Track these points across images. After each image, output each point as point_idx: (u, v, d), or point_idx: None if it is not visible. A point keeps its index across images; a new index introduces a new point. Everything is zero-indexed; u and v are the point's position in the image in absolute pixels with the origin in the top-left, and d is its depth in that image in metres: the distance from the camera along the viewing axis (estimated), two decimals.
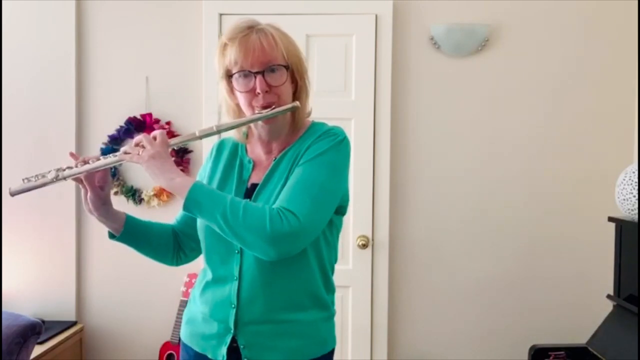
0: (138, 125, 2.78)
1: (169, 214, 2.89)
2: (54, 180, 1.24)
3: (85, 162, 1.26)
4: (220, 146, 1.46)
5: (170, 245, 1.46)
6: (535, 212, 2.73)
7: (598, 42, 2.69)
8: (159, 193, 2.76)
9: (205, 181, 1.42)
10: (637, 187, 2.02)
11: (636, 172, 2.04)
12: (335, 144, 1.29)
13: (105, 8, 2.81)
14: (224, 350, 1.29)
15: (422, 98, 2.74)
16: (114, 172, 2.76)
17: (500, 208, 2.74)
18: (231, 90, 1.32)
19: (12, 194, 1.25)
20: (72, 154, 1.30)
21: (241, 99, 1.30)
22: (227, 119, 1.37)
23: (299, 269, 1.29)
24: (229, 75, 1.30)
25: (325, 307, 1.36)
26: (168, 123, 2.78)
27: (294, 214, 1.17)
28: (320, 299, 1.34)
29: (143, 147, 1.24)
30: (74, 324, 2.78)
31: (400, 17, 2.72)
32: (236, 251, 1.30)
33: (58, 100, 2.80)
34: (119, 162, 1.26)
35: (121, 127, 2.78)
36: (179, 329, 2.67)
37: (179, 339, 2.64)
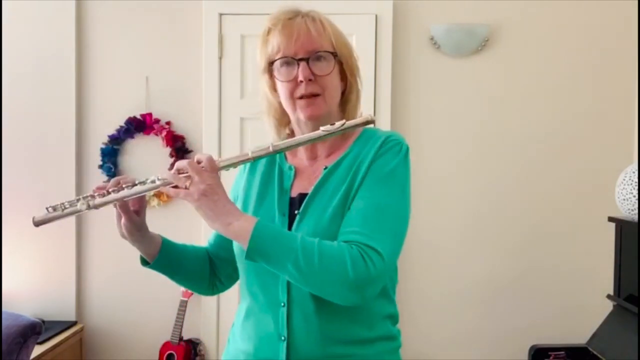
0: (138, 125, 2.77)
1: (169, 214, 2.91)
2: (87, 209, 1.11)
3: (119, 187, 1.09)
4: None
5: (206, 272, 1.29)
6: (535, 212, 2.73)
7: (598, 42, 2.69)
8: (159, 193, 2.76)
9: (241, 194, 1.24)
10: (637, 187, 2.02)
11: (636, 172, 2.04)
12: (402, 157, 1.12)
13: (105, 8, 2.80)
14: None
15: (422, 98, 2.74)
16: (114, 173, 2.76)
17: (500, 208, 2.74)
18: (273, 85, 1.18)
19: (36, 224, 1.12)
20: (99, 188, 1.13)
21: (282, 90, 1.15)
22: (267, 119, 1.23)
23: None
24: (270, 65, 1.15)
25: (391, 338, 1.17)
26: (168, 123, 2.78)
27: (377, 252, 1.00)
28: (385, 328, 1.16)
29: (188, 176, 1.04)
30: (74, 324, 2.78)
31: (400, 17, 2.71)
32: None
33: (58, 100, 2.80)
34: (157, 189, 1.08)
35: (121, 127, 2.78)
36: (179, 329, 2.67)
37: (179, 340, 2.66)
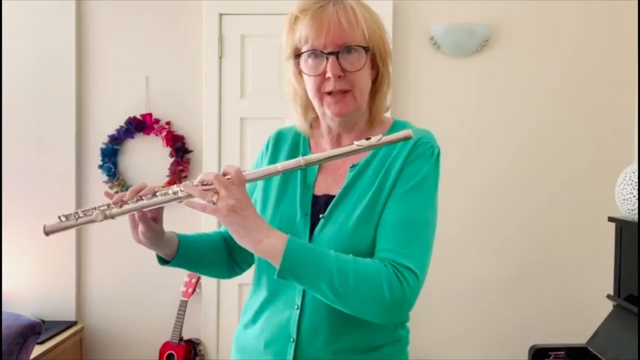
0: (138, 125, 2.77)
1: (169, 214, 2.90)
2: (103, 219, 1.04)
3: (138, 197, 1.04)
4: (278, 139, 1.22)
5: (224, 258, 1.25)
6: (535, 212, 2.73)
7: (598, 42, 2.69)
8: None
9: (260, 185, 1.19)
10: (637, 187, 2.02)
11: (636, 172, 2.04)
12: (433, 163, 1.08)
13: (105, 8, 2.80)
14: None
15: (422, 98, 2.74)
16: (114, 173, 2.76)
17: (500, 208, 2.74)
18: (299, 72, 1.11)
19: (47, 234, 1.05)
20: (107, 194, 1.07)
21: (308, 83, 1.09)
22: (293, 106, 1.17)
23: None
24: (297, 55, 1.09)
25: (399, 340, 1.15)
26: (168, 123, 2.78)
27: (412, 271, 1.00)
28: (395, 333, 1.13)
29: (214, 189, 0.99)
30: (74, 324, 2.78)
31: (400, 17, 2.71)
32: None
33: (58, 100, 2.80)
34: (178, 200, 1.02)
35: (121, 127, 2.78)
36: (179, 329, 2.67)
37: (179, 340, 2.66)
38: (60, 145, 2.80)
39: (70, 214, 1.04)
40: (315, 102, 1.11)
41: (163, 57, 2.80)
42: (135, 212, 1.04)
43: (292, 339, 1.08)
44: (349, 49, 1.05)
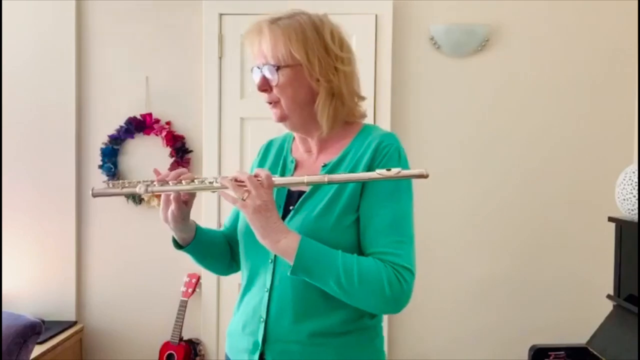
0: (138, 125, 2.78)
1: None
2: (144, 193, 1.15)
3: (179, 181, 1.16)
4: (268, 146, 1.39)
5: (227, 254, 1.39)
6: (535, 212, 2.73)
7: (598, 42, 2.69)
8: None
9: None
10: (637, 187, 2.02)
11: (636, 172, 2.04)
12: (403, 163, 1.21)
13: (105, 8, 2.80)
14: None
15: (422, 98, 2.74)
16: (114, 173, 2.77)
17: (500, 208, 2.74)
18: None
19: (94, 196, 1.18)
20: (156, 171, 1.21)
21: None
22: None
23: None
24: None
25: (366, 329, 1.22)
26: (168, 123, 2.78)
27: (408, 269, 1.13)
28: (361, 321, 1.21)
29: (247, 189, 1.11)
30: (74, 324, 2.78)
31: (400, 17, 2.71)
32: (270, 260, 1.21)
33: (58, 100, 2.80)
34: (212, 190, 1.16)
35: (121, 127, 2.78)
36: (179, 329, 2.67)
37: (179, 340, 2.66)
38: (60, 145, 2.80)
39: (117, 182, 1.18)
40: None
41: (163, 57, 2.80)
42: (172, 193, 1.18)
43: (262, 319, 1.20)
44: (270, 67, 1.19)
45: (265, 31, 1.19)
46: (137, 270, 2.81)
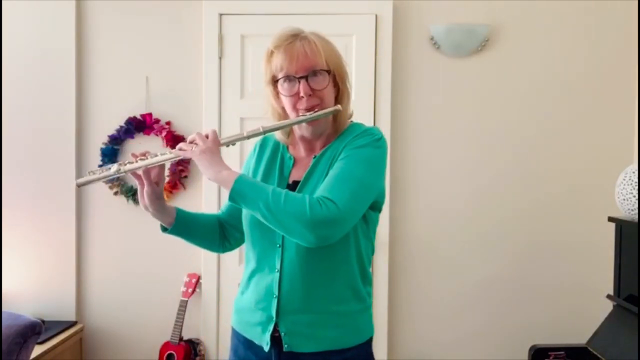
0: (138, 125, 2.78)
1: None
2: (117, 173, 1.35)
3: (144, 158, 1.36)
4: (263, 143, 1.54)
5: (216, 235, 1.56)
6: (535, 212, 2.73)
7: (598, 42, 2.69)
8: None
9: (249, 175, 1.51)
10: (637, 187, 2.02)
11: (636, 172, 2.04)
12: (373, 141, 1.37)
13: (105, 8, 2.81)
14: (267, 337, 1.38)
15: (422, 98, 2.74)
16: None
17: (500, 208, 2.74)
18: (277, 94, 1.41)
19: (79, 185, 1.38)
20: (133, 154, 1.39)
21: (286, 102, 1.39)
22: (273, 120, 1.47)
23: (338, 262, 1.37)
24: (274, 81, 1.39)
25: (362, 299, 1.42)
26: (168, 123, 2.78)
27: (332, 201, 1.24)
28: (358, 291, 1.41)
29: (196, 144, 1.34)
30: (74, 324, 2.78)
31: (400, 17, 2.72)
32: (278, 245, 1.38)
33: (58, 100, 2.80)
34: (175, 158, 1.35)
35: (121, 127, 2.78)
36: (179, 329, 2.67)
37: (179, 340, 2.66)
38: (60, 145, 2.80)
39: (97, 169, 1.39)
40: (292, 117, 1.40)
41: (163, 57, 2.80)
42: (141, 169, 1.36)
43: (275, 296, 1.38)
44: (314, 72, 1.35)
45: (308, 41, 1.35)
46: (137, 270, 2.81)
